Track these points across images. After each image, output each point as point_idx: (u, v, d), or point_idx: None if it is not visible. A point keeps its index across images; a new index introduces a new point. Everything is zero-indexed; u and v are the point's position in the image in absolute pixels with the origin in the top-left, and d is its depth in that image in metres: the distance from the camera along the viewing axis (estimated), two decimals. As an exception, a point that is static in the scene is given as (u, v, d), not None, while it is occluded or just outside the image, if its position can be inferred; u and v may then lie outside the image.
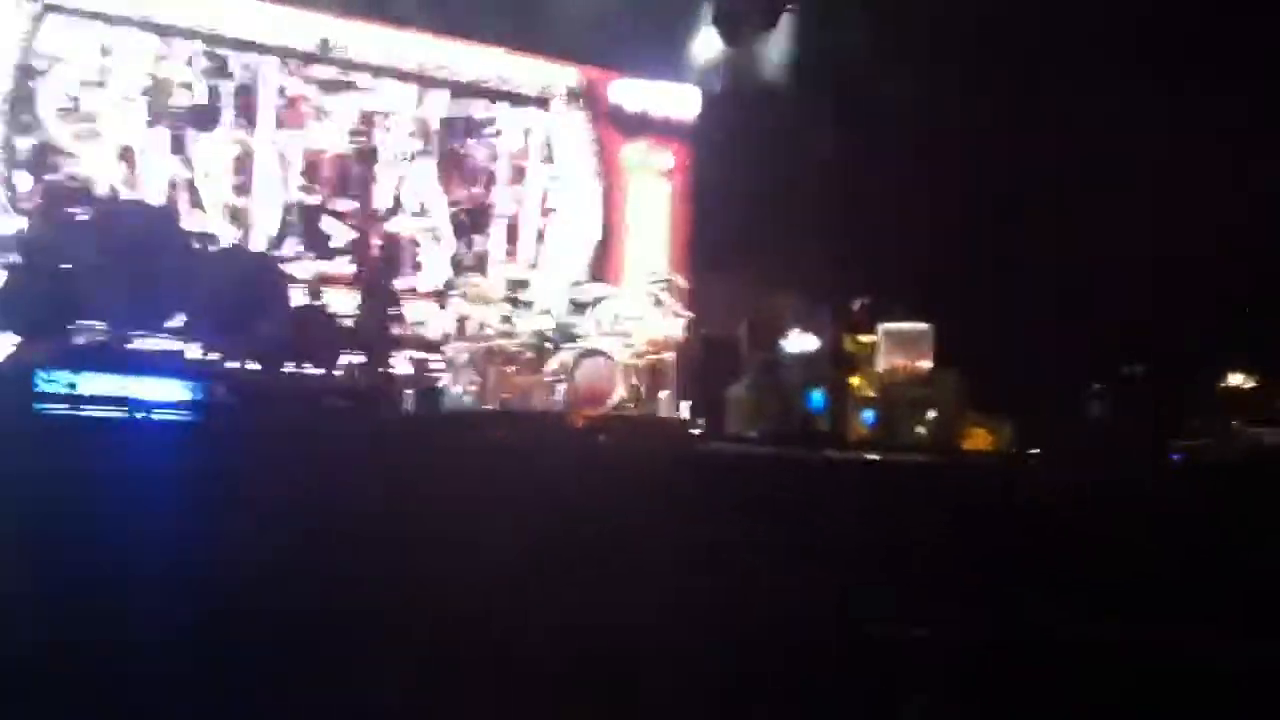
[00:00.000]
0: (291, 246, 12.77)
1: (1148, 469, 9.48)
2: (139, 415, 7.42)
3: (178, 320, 9.68)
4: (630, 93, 15.04)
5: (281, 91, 13.17)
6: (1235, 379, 11.59)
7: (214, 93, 12.77)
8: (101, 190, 11.90)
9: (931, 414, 10.94)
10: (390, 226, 13.61)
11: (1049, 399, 11.39)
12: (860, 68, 13.83)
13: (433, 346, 12.27)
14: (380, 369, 10.62)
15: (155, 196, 12.13)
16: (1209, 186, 12.29)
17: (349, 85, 13.60)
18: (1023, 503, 7.29)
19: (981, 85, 12.46)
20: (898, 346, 11.45)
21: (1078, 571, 6.06)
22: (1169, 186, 12.44)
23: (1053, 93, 12.75)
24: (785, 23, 14.65)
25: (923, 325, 11.50)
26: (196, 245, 10.23)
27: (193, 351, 9.47)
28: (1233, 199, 12.30)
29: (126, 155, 12.22)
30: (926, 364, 11.28)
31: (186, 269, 9.72)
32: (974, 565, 6.33)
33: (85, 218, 11.27)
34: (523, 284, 11.79)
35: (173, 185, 12.37)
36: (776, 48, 14.82)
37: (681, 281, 12.77)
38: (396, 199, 13.75)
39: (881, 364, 11.33)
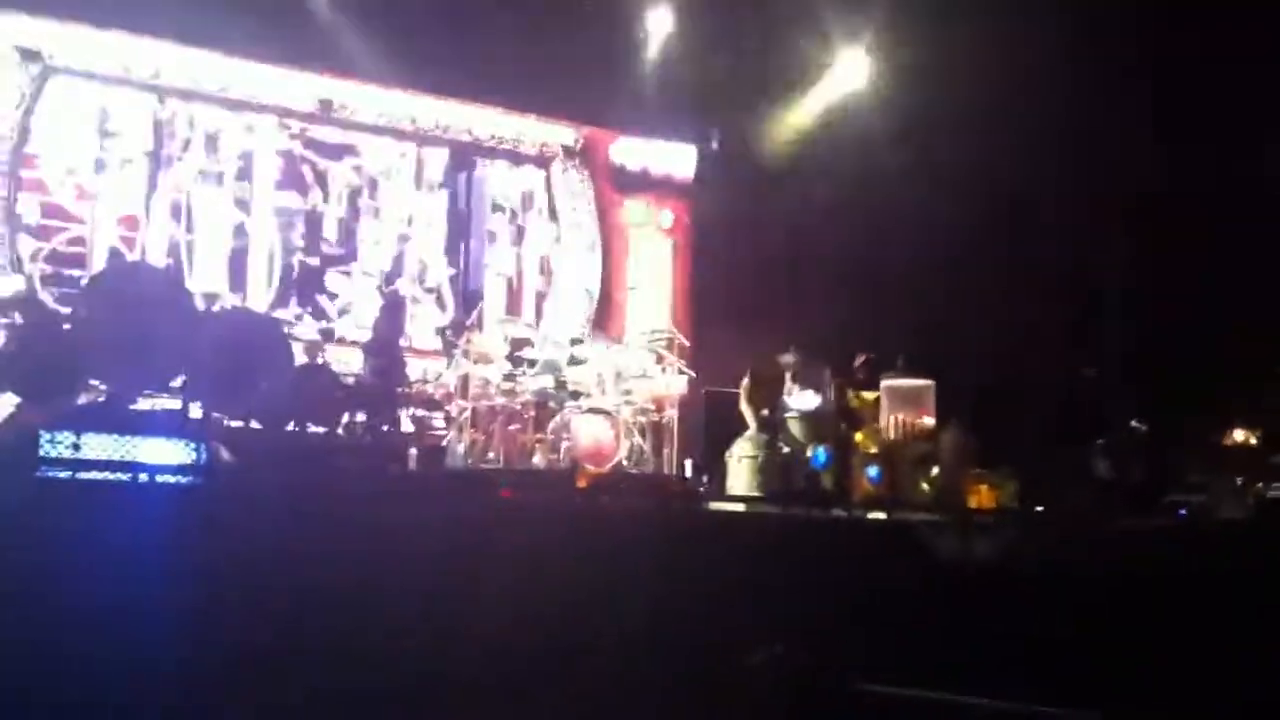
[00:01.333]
0: (293, 307, 12.81)
1: (1153, 525, 9.44)
2: (142, 477, 7.35)
3: (179, 380, 9.64)
4: (630, 151, 15.16)
5: (281, 153, 13.24)
6: (1238, 435, 11.56)
7: (213, 154, 12.84)
8: (103, 251, 11.96)
9: (935, 470, 10.88)
10: (391, 285, 13.64)
11: (1053, 455, 11.35)
12: (863, 127, 13.96)
13: (435, 405, 12.27)
14: (383, 427, 10.58)
15: (156, 257, 12.19)
16: (1215, 242, 12.36)
17: (349, 146, 13.69)
18: (1029, 562, 7.25)
19: (981, 144, 12.53)
20: (900, 402, 11.41)
21: (1088, 636, 6.03)
22: (1171, 241, 12.49)
23: (1055, 152, 12.82)
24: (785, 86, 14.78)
25: (925, 381, 11.47)
26: (198, 306, 10.20)
27: (195, 412, 9.42)
28: (1232, 260, 12.36)
29: (127, 217, 12.28)
30: (929, 420, 11.23)
31: (188, 329, 9.68)
32: (983, 625, 6.29)
33: (87, 279, 11.34)
34: (524, 342, 11.77)
35: (174, 246, 12.43)
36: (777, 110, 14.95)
37: (683, 339, 12.78)
38: (397, 258, 13.80)
39: (884, 420, 11.28)
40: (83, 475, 7.52)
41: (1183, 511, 9.94)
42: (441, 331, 13.33)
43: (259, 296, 12.72)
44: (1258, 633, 6.10)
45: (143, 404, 9.47)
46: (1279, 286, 12.58)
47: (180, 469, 7.95)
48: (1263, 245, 12.39)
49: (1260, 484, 10.94)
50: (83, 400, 9.16)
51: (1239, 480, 10.99)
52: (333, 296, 13.22)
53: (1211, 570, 6.94)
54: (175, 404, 9.58)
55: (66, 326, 10.11)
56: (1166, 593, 6.59)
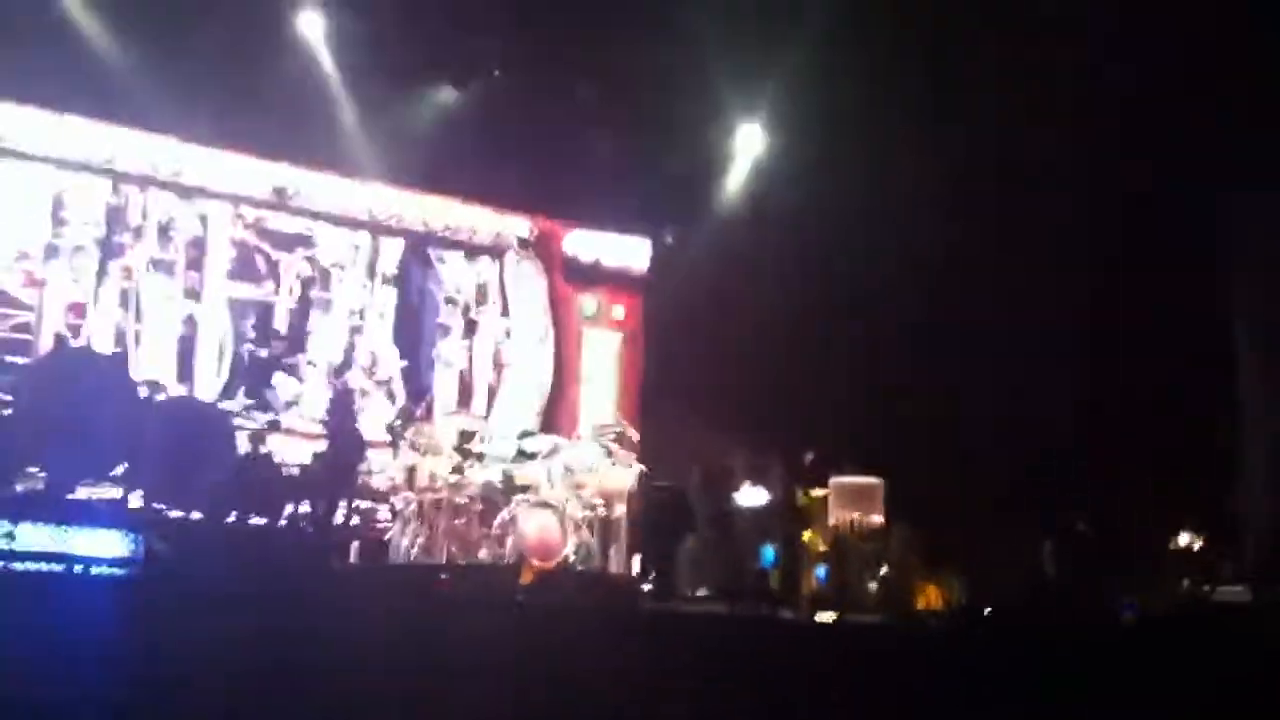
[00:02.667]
0: (240, 398, 12.67)
1: (1101, 623, 9.47)
2: (78, 569, 7.21)
3: (120, 468, 9.52)
4: (584, 243, 15.21)
5: (235, 242, 13.19)
6: (1184, 539, 11.66)
7: (165, 242, 12.75)
8: (48, 338, 11.78)
9: (884, 569, 10.87)
10: (341, 377, 13.54)
11: (999, 554, 11.39)
12: (809, 219, 14.11)
13: (380, 496, 12.13)
14: (327, 519, 10.44)
15: (103, 345, 12.03)
16: (1157, 341, 12.57)
17: (303, 236, 13.66)
18: (980, 663, 7.23)
19: (933, 231, 12.74)
20: (849, 500, 11.44)
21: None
22: (1121, 338, 12.70)
23: (1006, 235, 13.04)
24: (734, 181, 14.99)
25: (873, 479, 11.51)
26: (142, 393, 10.08)
27: (135, 500, 9.28)
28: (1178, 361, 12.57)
29: (75, 304, 12.13)
30: (878, 518, 11.25)
31: (131, 417, 9.58)
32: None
33: (29, 365, 11.17)
34: (472, 435, 11.70)
35: (120, 334, 12.28)
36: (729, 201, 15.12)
37: (633, 433, 12.74)
38: (348, 349, 13.72)
39: (833, 518, 11.29)
40: (16, 566, 7.38)
41: (1128, 607, 9.98)
42: (390, 424, 13.21)
43: (207, 386, 12.55)
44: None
45: (81, 492, 9.31)
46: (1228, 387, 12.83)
47: (117, 560, 7.81)
48: (1208, 340, 12.64)
49: (1207, 586, 11.01)
50: (19, 488, 9.00)
51: (1185, 582, 11.07)
52: (279, 389, 13.05)
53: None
54: (115, 493, 9.44)
55: (7, 412, 9.97)
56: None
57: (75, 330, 12.04)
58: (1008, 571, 11.17)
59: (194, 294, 12.79)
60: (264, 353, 13.16)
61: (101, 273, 12.29)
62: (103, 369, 10.16)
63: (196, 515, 9.46)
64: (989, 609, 10.39)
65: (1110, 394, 12.90)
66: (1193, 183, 12.43)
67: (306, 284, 13.62)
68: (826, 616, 8.93)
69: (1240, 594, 10.47)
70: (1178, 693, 6.58)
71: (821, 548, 11.23)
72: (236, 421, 11.44)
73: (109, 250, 12.36)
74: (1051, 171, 12.73)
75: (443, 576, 9.38)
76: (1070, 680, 6.77)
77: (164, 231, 12.73)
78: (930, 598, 10.81)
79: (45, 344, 11.74)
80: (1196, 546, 11.65)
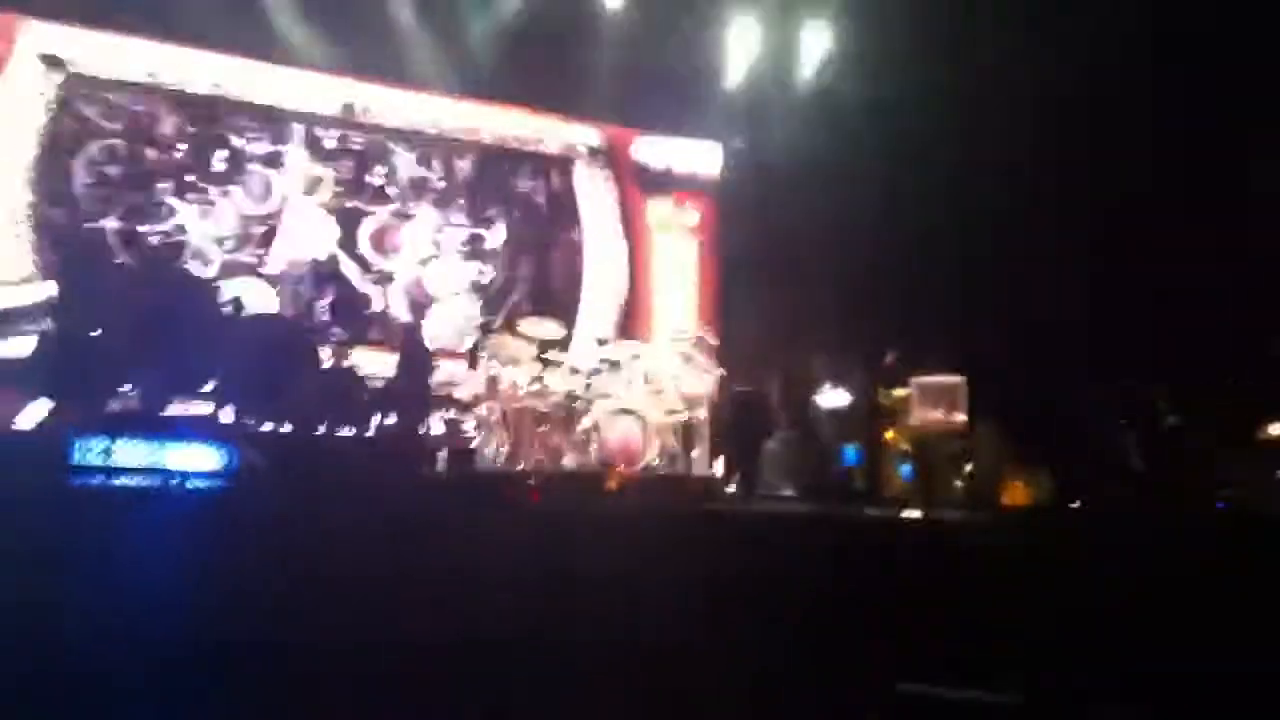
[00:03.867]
0: (322, 310, 12.82)
1: (1193, 518, 9.33)
2: (174, 483, 7.36)
3: (210, 385, 9.67)
4: (653, 150, 15.11)
5: (308, 158, 13.27)
6: (1273, 429, 11.41)
7: (239, 159, 12.88)
8: (132, 257, 11.99)
9: (968, 467, 10.79)
10: (420, 289, 13.65)
11: (1088, 450, 11.24)
12: (893, 122, 13.85)
13: (464, 407, 12.26)
14: (414, 430, 10.56)
15: (186, 263, 12.23)
16: (1247, 230, 12.23)
17: (376, 151, 13.69)
18: (1070, 559, 7.16)
19: (1014, 133, 12.44)
20: (931, 400, 11.31)
21: (1134, 632, 5.94)
22: (1205, 235, 12.36)
23: (1083, 143, 12.71)
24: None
25: (956, 378, 11.37)
26: (227, 310, 10.22)
27: (226, 416, 9.44)
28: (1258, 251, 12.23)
29: (156, 223, 12.32)
30: (961, 417, 11.14)
31: (218, 334, 9.72)
32: (1020, 625, 6.22)
33: (116, 284, 11.35)
34: (552, 344, 11.73)
35: (203, 251, 12.46)
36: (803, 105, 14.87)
37: (711, 338, 12.71)
38: (426, 262, 13.79)
39: (915, 418, 11.20)
40: (115, 481, 7.55)
41: (1221, 505, 9.82)
42: (469, 334, 13.32)
43: (288, 301, 12.73)
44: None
45: (173, 409, 9.48)
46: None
47: (212, 474, 7.97)
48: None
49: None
50: (114, 406, 9.18)
51: (1277, 473, 10.87)
52: (362, 300, 13.20)
53: (1257, 565, 6.84)
54: (206, 408, 9.60)
55: (98, 332, 10.13)
56: (1209, 588, 6.50)
57: (159, 248, 12.25)
58: (1096, 468, 11.03)
59: (272, 209, 12.92)
60: (344, 265, 13.26)
61: (180, 190, 12.46)
62: (186, 286, 10.31)
63: (286, 428, 9.61)
64: (1076, 503, 10.30)
65: (1196, 283, 12.61)
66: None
67: (381, 198, 13.67)
68: (913, 514, 8.88)
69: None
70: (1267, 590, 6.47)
71: (905, 447, 11.16)
72: (319, 332, 11.57)
73: (186, 168, 12.51)
74: (1147, 57, 12.34)
75: (530, 483, 9.47)
76: (1157, 577, 6.69)
77: (238, 148, 12.85)
78: (1016, 494, 10.72)
79: (129, 260, 11.96)
80: (1282, 434, 11.40)
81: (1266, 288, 12.21)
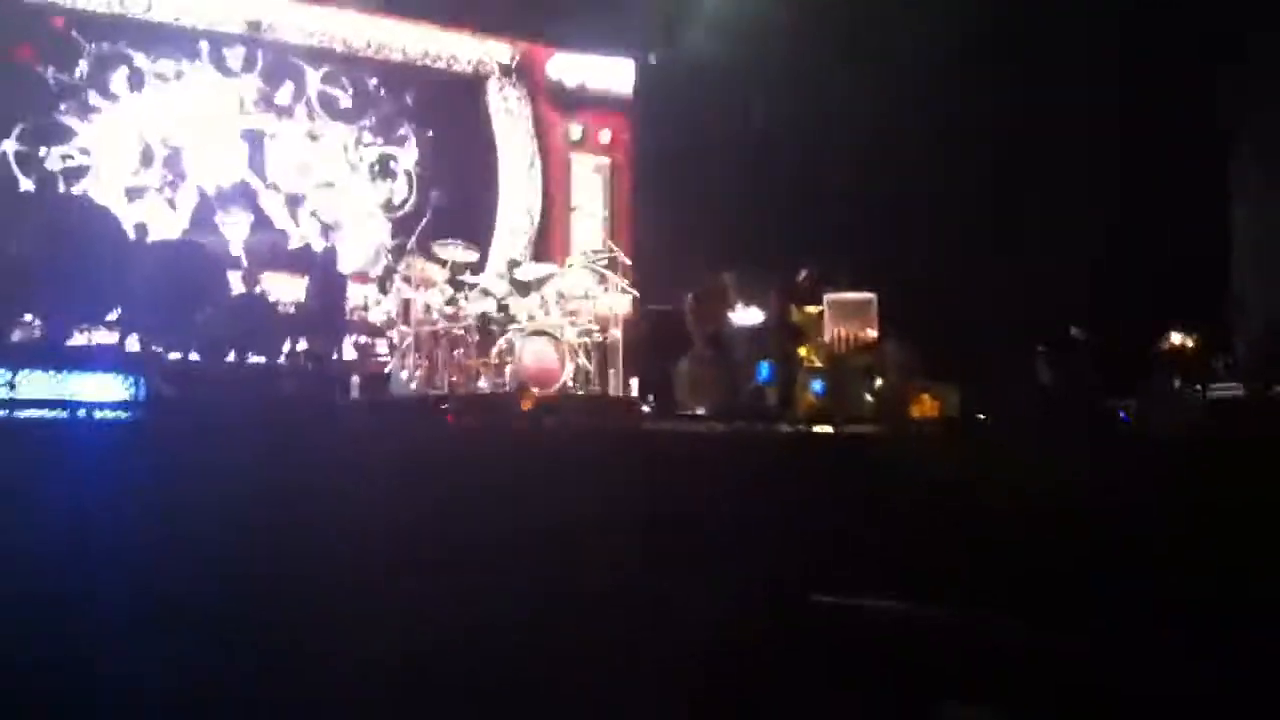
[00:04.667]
0: (230, 234, 12.59)
1: (1095, 429, 9.59)
2: (82, 414, 7.25)
3: (115, 313, 9.49)
4: (567, 68, 14.96)
5: (214, 76, 12.97)
6: (1176, 339, 11.73)
7: (142, 79, 12.54)
8: (32, 181, 11.69)
9: (879, 382, 10.98)
10: (329, 211, 13.46)
11: (994, 364, 11.47)
12: (793, 33, 13.83)
13: (377, 331, 12.18)
14: (325, 354, 10.48)
15: (89, 187, 11.95)
16: (1148, 153, 12.48)
17: (283, 69, 13.41)
18: (973, 471, 7.33)
19: (931, 53, 12.51)
20: (843, 316, 11.48)
21: (1036, 543, 6.12)
22: (1109, 154, 12.60)
23: (993, 64, 12.83)
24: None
25: (867, 294, 11.54)
26: (132, 235, 10.01)
27: (132, 345, 9.29)
28: (1170, 166, 12.49)
29: (57, 145, 12.00)
30: (872, 333, 11.31)
31: (123, 260, 9.52)
32: (929, 538, 6.37)
33: (16, 210, 11.07)
34: (465, 266, 11.66)
35: (106, 174, 12.18)
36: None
37: (625, 258, 12.71)
38: (336, 184, 13.60)
39: (828, 334, 11.35)
40: (20, 414, 7.42)
41: (1123, 415, 10.10)
42: (381, 257, 13.21)
43: (194, 225, 12.51)
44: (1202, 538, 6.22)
45: (78, 339, 9.32)
46: (1216, 192, 12.77)
47: (120, 404, 7.86)
48: (1193, 153, 12.55)
49: (1199, 386, 11.13)
50: (16, 337, 9.00)
51: (1176, 383, 11.19)
52: (267, 223, 12.98)
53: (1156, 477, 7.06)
54: (112, 337, 9.44)
55: (-4, 261, 9.90)
56: (1109, 500, 6.70)
57: (57, 175, 11.96)
58: (1004, 382, 11.27)
59: (174, 131, 12.63)
60: (250, 186, 13.02)
61: (83, 112, 12.15)
62: (88, 212, 10.07)
63: (195, 356, 9.48)
64: (983, 416, 10.52)
65: (1103, 199, 12.86)
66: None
67: (284, 115, 13.41)
68: (823, 429, 9.03)
69: (1233, 390, 10.60)
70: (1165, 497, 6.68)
71: (817, 363, 11.31)
72: (228, 260, 11.39)
73: (90, 88, 12.19)
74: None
75: (444, 407, 9.47)
76: (1056, 484, 6.86)
77: (141, 70, 12.52)
78: (925, 407, 10.92)
79: (26, 188, 11.67)
80: (1189, 345, 11.73)
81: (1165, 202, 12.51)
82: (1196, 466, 6.90)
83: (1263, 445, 7.68)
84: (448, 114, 14.43)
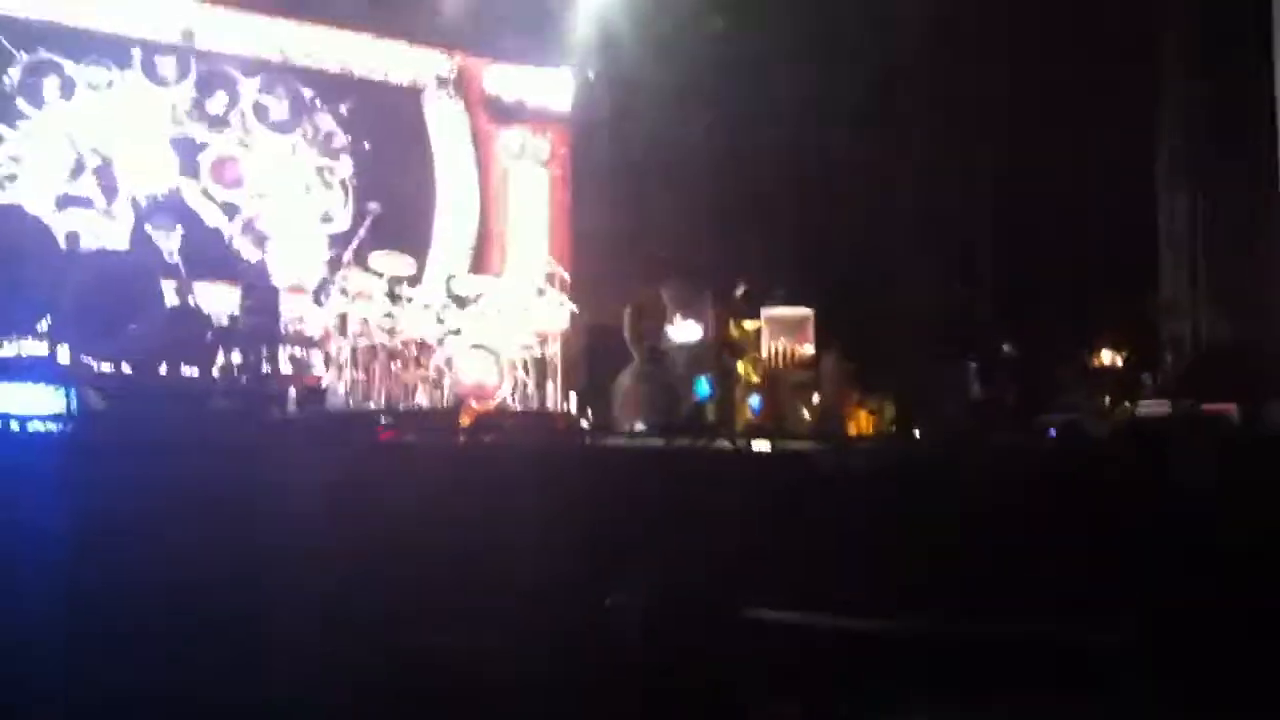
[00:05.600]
0: (162, 244, 12.42)
1: (1023, 442, 9.75)
2: (9, 427, 7.13)
3: (45, 324, 9.36)
4: (505, 80, 14.94)
5: (147, 85, 12.80)
6: (1106, 356, 11.94)
7: (74, 87, 12.37)
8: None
9: (816, 398, 11.07)
10: (265, 223, 13.33)
11: (928, 377, 11.63)
12: (734, 49, 13.91)
13: (313, 344, 12.06)
14: (261, 368, 10.38)
15: (18, 195, 11.75)
16: (1073, 162, 12.68)
17: (218, 78, 13.27)
18: (908, 483, 7.42)
19: (867, 67, 12.66)
20: (780, 331, 11.58)
21: (967, 554, 6.21)
22: (1035, 164, 12.79)
23: (926, 81, 13.01)
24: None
25: (804, 310, 11.64)
26: (62, 245, 9.87)
27: (63, 356, 9.15)
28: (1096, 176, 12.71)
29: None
30: (809, 348, 11.41)
31: (53, 269, 9.40)
32: (864, 550, 6.44)
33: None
34: (402, 279, 11.60)
35: (35, 183, 11.98)
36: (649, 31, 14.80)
37: (564, 271, 12.71)
38: (271, 195, 13.46)
39: (765, 350, 11.43)
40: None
41: (1051, 431, 10.24)
42: (317, 269, 13.10)
43: (127, 235, 12.33)
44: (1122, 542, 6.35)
45: (6, 349, 9.17)
46: (1144, 205, 13.01)
47: (49, 417, 7.74)
48: (1125, 163, 12.77)
49: (1128, 402, 11.32)
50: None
51: (1105, 399, 11.38)
52: (203, 235, 12.81)
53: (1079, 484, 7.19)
54: (41, 348, 9.30)
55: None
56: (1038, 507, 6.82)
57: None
58: (937, 396, 11.42)
59: (109, 141, 12.45)
60: (187, 195, 12.86)
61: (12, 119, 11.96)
62: (21, 223, 9.90)
63: (126, 369, 9.37)
64: (917, 430, 10.65)
65: (1030, 213, 13.07)
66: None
67: (220, 126, 13.26)
68: (762, 445, 9.08)
69: (1160, 408, 10.79)
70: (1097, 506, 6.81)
71: (755, 379, 11.38)
72: (161, 271, 11.24)
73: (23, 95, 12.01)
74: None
75: (383, 422, 9.41)
76: (995, 494, 6.98)
77: (73, 79, 12.34)
78: (861, 423, 11.04)
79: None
80: (1118, 362, 11.95)
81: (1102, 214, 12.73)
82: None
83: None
84: (385, 125, 14.31)
